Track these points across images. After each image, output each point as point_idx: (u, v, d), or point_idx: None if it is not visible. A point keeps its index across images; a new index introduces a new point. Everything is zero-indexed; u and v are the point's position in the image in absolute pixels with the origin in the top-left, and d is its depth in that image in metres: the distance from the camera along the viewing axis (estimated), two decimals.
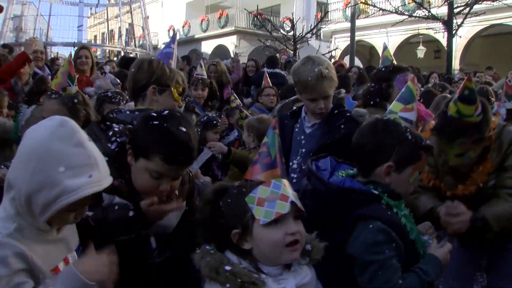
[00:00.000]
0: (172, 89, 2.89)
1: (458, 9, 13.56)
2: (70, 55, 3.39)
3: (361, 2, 17.99)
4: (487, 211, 2.88)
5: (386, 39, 22.25)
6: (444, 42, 13.98)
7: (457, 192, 3.07)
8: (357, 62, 28.39)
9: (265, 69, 9.12)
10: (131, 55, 26.43)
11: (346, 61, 24.00)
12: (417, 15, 14.81)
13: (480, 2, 13.78)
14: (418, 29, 14.62)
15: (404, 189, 2.37)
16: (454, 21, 13.62)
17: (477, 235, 2.88)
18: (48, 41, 29.59)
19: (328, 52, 25.13)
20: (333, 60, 27.49)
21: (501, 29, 15.77)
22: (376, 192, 2.30)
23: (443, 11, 17.23)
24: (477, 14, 14.52)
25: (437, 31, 14.91)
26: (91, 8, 38.70)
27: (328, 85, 3.32)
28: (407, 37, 15.62)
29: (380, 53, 20.23)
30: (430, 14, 14.06)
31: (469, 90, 2.70)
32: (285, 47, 22.37)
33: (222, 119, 5.84)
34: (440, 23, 14.11)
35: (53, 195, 1.65)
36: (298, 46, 21.22)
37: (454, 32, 13.69)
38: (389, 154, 2.31)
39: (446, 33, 14.27)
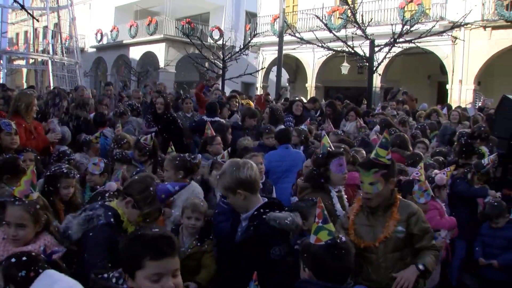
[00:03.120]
0: None
1: (379, 47, 14.30)
2: (32, 170, 3.56)
3: (290, 32, 18.58)
4: (423, 260, 3.78)
5: (312, 54, 23.06)
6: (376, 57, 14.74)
7: (367, 244, 3.88)
8: (284, 73, 29.11)
9: (205, 118, 9.10)
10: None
11: (274, 71, 24.63)
12: (343, 34, 15.38)
13: (397, 45, 14.68)
14: (342, 48, 15.19)
15: None
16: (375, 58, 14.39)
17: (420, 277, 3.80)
18: None
19: (257, 71, 25.63)
20: (262, 75, 28.26)
21: (419, 49, 16.86)
22: None
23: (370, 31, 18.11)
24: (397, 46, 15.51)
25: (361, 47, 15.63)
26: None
27: None
28: (332, 53, 16.30)
29: (308, 71, 20.85)
30: (353, 50, 14.81)
31: (385, 139, 3.98)
32: (212, 62, 22.67)
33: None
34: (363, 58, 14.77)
35: None
36: (227, 63, 21.49)
37: (374, 69, 14.50)
38: None
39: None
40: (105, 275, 2.79)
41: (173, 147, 6.53)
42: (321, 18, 17.25)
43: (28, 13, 10.08)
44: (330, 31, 14.81)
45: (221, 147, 6.92)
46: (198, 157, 5.54)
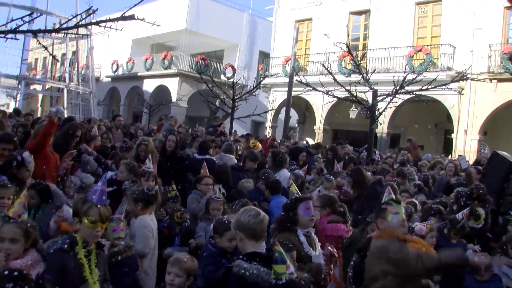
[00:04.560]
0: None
1: (381, 97, 14.58)
2: (25, 194, 4.20)
3: (298, 77, 19.00)
4: None
5: (321, 97, 23.35)
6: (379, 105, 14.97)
7: None
8: (294, 114, 29.42)
9: (196, 156, 9.30)
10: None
11: (283, 112, 24.91)
12: (352, 80, 15.68)
13: (399, 95, 15.00)
14: (352, 91, 15.47)
15: None
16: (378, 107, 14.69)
17: None
18: None
19: (266, 111, 25.96)
20: (271, 114, 28.57)
21: (427, 97, 17.24)
22: None
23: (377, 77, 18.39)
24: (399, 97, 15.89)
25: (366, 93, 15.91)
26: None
27: None
28: (341, 97, 16.55)
29: (317, 114, 21.00)
30: (356, 99, 15.07)
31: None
32: (222, 100, 23.03)
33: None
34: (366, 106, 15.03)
35: None
36: (237, 102, 21.80)
37: (376, 118, 14.81)
38: None
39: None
40: None
41: (174, 186, 6.90)
42: (329, 65, 17.61)
43: (45, 48, 10.53)
44: (335, 80, 15.03)
45: (211, 187, 7.10)
46: (155, 188, 5.77)
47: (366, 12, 26.28)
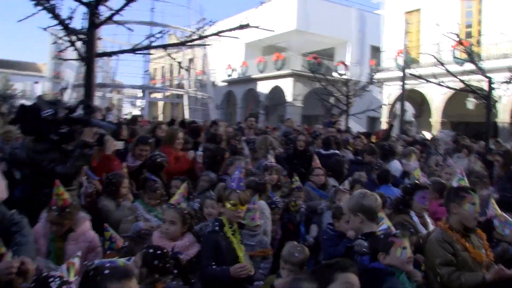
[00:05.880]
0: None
1: (496, 85, 14.25)
2: (185, 186, 5.15)
3: (410, 70, 18.84)
4: None
5: (437, 89, 22.85)
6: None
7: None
8: (409, 108, 29.01)
9: (321, 151, 10.01)
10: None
11: (398, 106, 24.70)
12: (468, 69, 15.42)
13: None
14: (466, 81, 15.15)
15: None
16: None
17: None
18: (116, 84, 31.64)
19: (380, 106, 25.89)
20: (387, 108, 28.38)
21: None
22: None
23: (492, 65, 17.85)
24: None
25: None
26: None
27: None
28: (456, 88, 16.13)
29: (433, 106, 20.48)
30: (470, 88, 14.76)
31: None
32: (337, 98, 23.27)
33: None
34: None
35: None
36: (351, 99, 21.98)
37: (492, 108, 14.49)
38: None
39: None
40: None
41: (297, 177, 7.67)
42: (440, 55, 17.29)
43: (171, 58, 11.44)
44: (447, 70, 14.88)
45: (322, 178, 7.86)
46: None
47: None
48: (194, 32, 10.40)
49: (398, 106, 26.36)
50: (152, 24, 28.35)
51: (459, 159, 11.06)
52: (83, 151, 5.57)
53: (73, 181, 5.56)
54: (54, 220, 4.44)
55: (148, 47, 9.84)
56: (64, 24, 8.66)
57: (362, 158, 10.15)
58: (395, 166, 9.18)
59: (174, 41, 15.11)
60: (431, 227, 5.40)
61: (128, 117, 18.61)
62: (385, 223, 4.25)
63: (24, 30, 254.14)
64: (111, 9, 8.93)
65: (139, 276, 3.25)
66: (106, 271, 2.62)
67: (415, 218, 5.38)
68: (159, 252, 3.64)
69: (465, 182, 4.86)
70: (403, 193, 5.64)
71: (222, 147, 8.75)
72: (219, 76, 43.79)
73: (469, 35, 23.98)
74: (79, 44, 8.99)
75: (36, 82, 72.32)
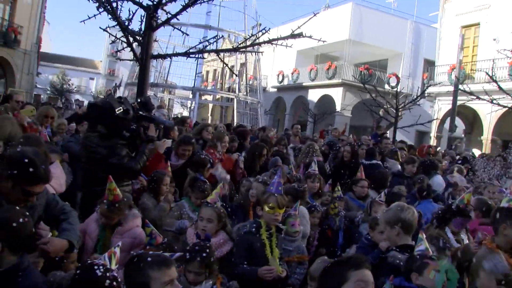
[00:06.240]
0: None
1: None
2: (221, 186, 5.50)
3: (463, 86, 18.48)
4: None
5: (489, 106, 22.37)
6: None
7: None
8: (460, 124, 28.49)
9: (363, 161, 10.00)
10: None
11: (447, 122, 24.30)
12: None
13: None
14: None
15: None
16: None
17: None
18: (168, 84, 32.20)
19: (430, 121, 25.53)
20: (436, 123, 27.95)
21: None
22: None
23: None
24: None
25: None
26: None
27: None
28: (508, 106, 15.75)
29: (485, 123, 20.00)
30: None
31: None
32: (386, 110, 23.07)
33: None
34: None
35: None
36: (400, 111, 21.76)
37: None
38: None
39: None
40: None
41: (339, 187, 7.75)
42: (494, 72, 16.95)
43: (224, 63, 11.58)
44: (500, 87, 14.63)
45: (366, 189, 8.01)
46: (304, 186, 6.65)
47: None
48: (247, 38, 10.59)
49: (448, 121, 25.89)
50: (207, 27, 28.71)
51: (508, 179, 10.89)
52: (150, 146, 5.80)
53: (125, 178, 5.74)
54: (104, 213, 4.67)
55: (202, 51, 10.06)
56: (123, 26, 8.98)
57: (402, 170, 10.11)
58: (438, 181, 9.11)
59: (228, 44, 15.33)
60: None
61: (178, 117, 18.97)
62: (423, 245, 4.24)
63: (83, 28, 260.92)
64: (168, 12, 9.20)
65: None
66: (149, 258, 2.88)
67: (450, 234, 5.39)
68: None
69: None
70: (445, 211, 5.66)
71: (261, 144, 9.00)
72: (270, 81, 44.10)
73: None
74: (135, 45, 9.29)
75: (92, 79, 74.31)
